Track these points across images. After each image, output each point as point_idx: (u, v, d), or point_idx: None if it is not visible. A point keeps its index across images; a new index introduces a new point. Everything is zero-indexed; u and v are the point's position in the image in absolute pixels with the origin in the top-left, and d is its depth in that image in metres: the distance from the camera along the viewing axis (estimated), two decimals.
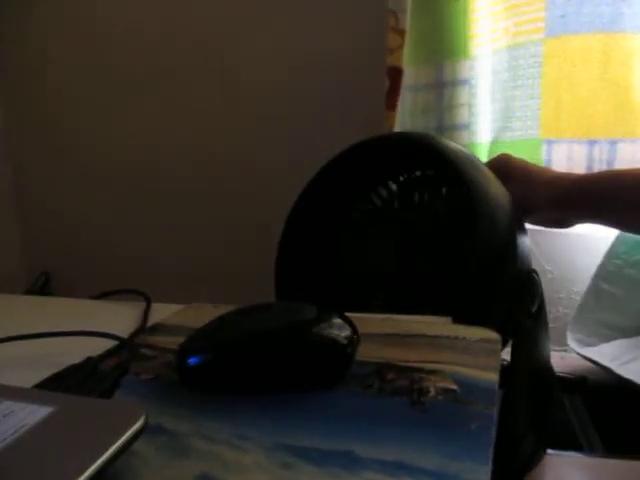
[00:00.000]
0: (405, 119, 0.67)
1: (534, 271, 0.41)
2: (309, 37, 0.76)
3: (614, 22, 0.59)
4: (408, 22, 0.65)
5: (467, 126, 0.66)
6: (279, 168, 0.78)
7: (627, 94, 0.59)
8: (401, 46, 0.66)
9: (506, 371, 0.30)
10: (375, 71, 0.69)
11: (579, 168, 0.60)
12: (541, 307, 0.41)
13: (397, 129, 0.67)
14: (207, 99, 0.80)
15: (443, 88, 0.66)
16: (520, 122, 0.63)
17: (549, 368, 0.44)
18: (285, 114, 0.78)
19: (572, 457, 0.45)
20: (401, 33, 0.66)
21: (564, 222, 0.47)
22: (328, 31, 0.75)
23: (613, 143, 0.60)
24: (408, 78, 0.66)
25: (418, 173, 0.47)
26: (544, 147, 0.62)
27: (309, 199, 0.49)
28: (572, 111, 0.61)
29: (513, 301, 0.39)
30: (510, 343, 0.37)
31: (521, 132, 0.64)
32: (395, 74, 0.67)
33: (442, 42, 0.65)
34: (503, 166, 0.48)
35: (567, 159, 0.61)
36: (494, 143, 0.66)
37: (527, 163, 0.49)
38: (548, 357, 0.44)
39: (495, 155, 0.52)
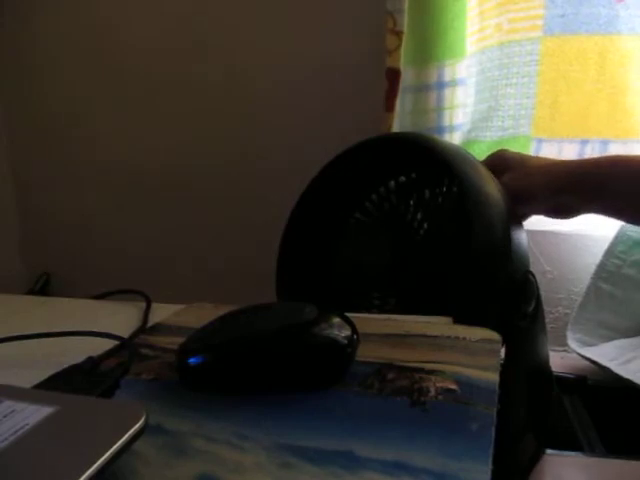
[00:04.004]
0: (405, 120, 0.67)
1: (530, 272, 0.41)
2: (309, 39, 0.76)
3: (610, 24, 0.59)
4: (405, 23, 0.65)
5: (460, 126, 0.66)
6: (279, 168, 0.78)
7: (622, 96, 0.59)
8: (399, 47, 0.66)
9: (504, 371, 0.30)
10: (376, 73, 0.69)
11: None
12: (537, 308, 0.41)
13: (397, 130, 0.67)
14: (208, 100, 0.81)
15: (438, 89, 0.65)
16: (512, 120, 0.63)
17: (547, 368, 0.44)
18: (286, 116, 0.78)
19: (572, 457, 0.45)
20: (398, 34, 0.66)
21: (565, 211, 0.45)
22: (328, 33, 0.75)
23: (605, 143, 0.60)
24: (409, 79, 0.66)
25: (416, 173, 0.47)
26: (533, 144, 0.62)
27: (310, 199, 0.49)
28: (567, 111, 0.61)
29: (508, 302, 0.39)
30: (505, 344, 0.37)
31: (512, 130, 0.63)
32: (393, 75, 0.67)
33: (440, 42, 0.65)
34: (500, 161, 0.47)
35: (557, 157, 0.60)
36: (477, 142, 0.65)
37: (523, 154, 0.48)
38: (546, 357, 0.44)
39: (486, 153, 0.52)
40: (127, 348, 0.34)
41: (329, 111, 0.75)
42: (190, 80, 0.81)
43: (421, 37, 0.65)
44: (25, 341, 0.36)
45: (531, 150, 0.62)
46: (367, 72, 0.72)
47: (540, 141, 0.62)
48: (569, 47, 0.60)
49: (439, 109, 0.66)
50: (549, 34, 0.60)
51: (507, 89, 0.63)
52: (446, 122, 0.66)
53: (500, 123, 0.63)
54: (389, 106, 0.67)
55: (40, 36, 0.86)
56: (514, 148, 0.61)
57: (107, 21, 0.83)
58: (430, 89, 0.66)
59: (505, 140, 0.63)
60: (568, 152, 0.61)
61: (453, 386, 0.27)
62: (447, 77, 0.65)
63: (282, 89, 0.77)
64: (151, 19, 0.81)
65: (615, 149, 0.60)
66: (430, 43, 0.65)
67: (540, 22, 0.60)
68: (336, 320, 0.29)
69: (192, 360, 0.29)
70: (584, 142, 0.60)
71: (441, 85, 0.65)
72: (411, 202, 0.46)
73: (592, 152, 0.60)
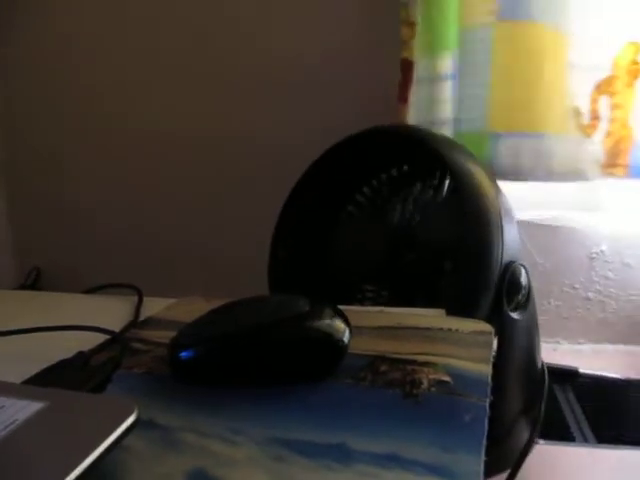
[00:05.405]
0: (420, 111, 0.65)
1: (521, 263, 0.41)
2: (322, 28, 0.74)
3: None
4: (418, 14, 0.64)
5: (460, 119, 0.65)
6: (282, 160, 0.77)
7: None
8: (412, 38, 0.65)
9: (496, 363, 0.31)
10: (391, 64, 0.68)
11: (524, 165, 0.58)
12: (529, 299, 0.41)
13: (413, 121, 0.65)
14: (209, 90, 0.80)
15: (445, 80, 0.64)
16: (468, 113, 0.60)
17: (539, 360, 0.44)
18: (293, 108, 0.77)
19: (564, 447, 0.45)
20: (411, 25, 0.65)
21: None
22: (343, 24, 0.74)
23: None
24: (422, 69, 0.65)
25: (408, 166, 0.47)
26: (490, 142, 0.59)
27: (300, 193, 0.49)
28: (521, 103, 0.58)
29: (499, 292, 0.39)
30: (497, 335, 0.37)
31: (466, 124, 0.60)
32: (406, 66, 0.66)
33: (441, 33, 0.63)
34: None
35: (514, 155, 0.58)
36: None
37: None
38: (538, 349, 0.44)
39: None
40: (118, 342, 0.33)
41: (342, 103, 0.74)
42: (192, 72, 0.80)
43: (428, 27, 0.64)
44: (15, 336, 0.35)
45: (488, 148, 0.59)
46: (384, 63, 0.71)
47: (497, 137, 0.58)
48: (521, 33, 0.57)
49: (453, 100, 0.64)
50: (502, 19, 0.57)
51: (465, 79, 0.61)
52: (454, 114, 0.64)
53: (463, 116, 0.61)
54: (402, 97, 0.65)
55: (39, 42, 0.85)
56: (471, 146, 0.59)
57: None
58: (440, 80, 0.64)
59: (464, 136, 0.61)
60: (525, 149, 0.58)
61: (446, 378, 0.27)
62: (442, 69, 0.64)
63: (292, 80, 0.76)
64: (151, 20, 0.80)
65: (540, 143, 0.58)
66: (433, 34, 0.64)
67: (495, 6, 0.58)
68: (329, 313, 0.29)
69: (184, 354, 0.28)
70: (540, 136, 0.58)
71: (445, 77, 0.64)
72: (402, 194, 0.46)
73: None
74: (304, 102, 0.76)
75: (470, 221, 0.39)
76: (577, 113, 0.60)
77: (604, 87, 0.60)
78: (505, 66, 0.57)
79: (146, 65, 0.81)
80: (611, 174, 0.61)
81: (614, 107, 0.61)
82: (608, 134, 0.61)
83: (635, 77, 0.60)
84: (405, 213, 0.45)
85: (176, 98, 0.81)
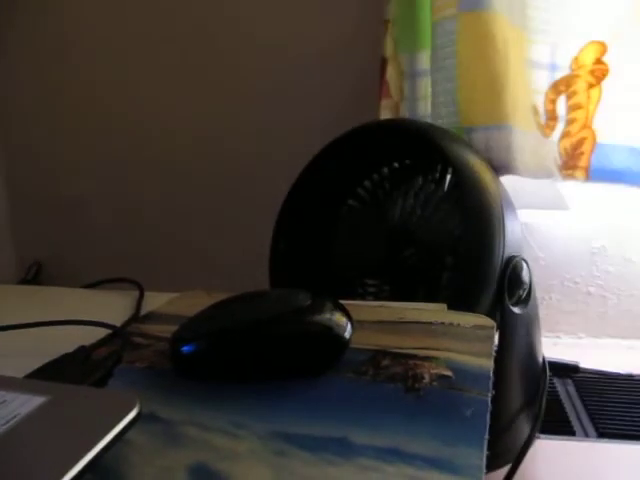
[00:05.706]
0: (414, 106, 0.64)
1: (522, 258, 0.41)
2: (311, 24, 0.74)
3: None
4: (393, 12, 0.64)
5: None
6: (279, 153, 0.77)
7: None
8: (384, 35, 0.65)
9: (497, 357, 0.31)
10: (374, 61, 0.68)
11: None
12: (530, 293, 0.41)
13: (385, 117, 0.65)
14: (205, 87, 0.80)
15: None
16: (445, 108, 0.58)
17: (540, 354, 0.44)
18: (285, 104, 0.77)
19: (564, 441, 0.45)
20: (385, 23, 0.65)
21: None
22: (330, 19, 0.73)
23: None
24: (418, 63, 0.64)
25: (409, 160, 0.47)
26: (465, 137, 0.56)
27: (302, 187, 0.49)
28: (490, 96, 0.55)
29: (501, 286, 0.39)
30: (498, 330, 0.37)
31: (446, 120, 0.57)
32: (382, 63, 0.66)
33: (415, 29, 0.63)
34: None
35: (487, 150, 0.54)
36: None
37: None
38: (539, 343, 0.44)
39: None
40: (120, 337, 0.33)
41: (340, 99, 0.74)
42: (190, 69, 0.80)
43: (408, 24, 0.64)
44: (16, 331, 0.35)
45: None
46: (366, 60, 0.71)
47: (469, 131, 0.56)
48: (484, 24, 0.54)
49: (427, 96, 0.64)
50: (465, 10, 0.55)
51: (436, 74, 0.58)
52: (430, 110, 0.63)
53: (437, 111, 0.60)
54: (379, 93, 0.66)
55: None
56: None
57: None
58: (417, 76, 0.64)
59: None
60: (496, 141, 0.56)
61: (447, 372, 0.27)
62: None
63: (281, 76, 0.76)
64: (151, 20, 0.80)
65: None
66: (413, 30, 0.63)
67: None
68: (330, 307, 0.29)
69: (185, 348, 0.28)
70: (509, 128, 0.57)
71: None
72: (404, 188, 0.46)
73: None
74: (302, 99, 0.76)
75: (471, 215, 0.39)
76: (535, 111, 0.59)
77: (562, 86, 0.59)
78: (470, 58, 0.56)
79: (146, 64, 0.81)
80: (571, 177, 0.59)
81: (573, 107, 0.59)
82: (566, 135, 0.59)
83: (600, 77, 0.58)
84: (406, 207, 0.45)
85: (176, 97, 0.81)
